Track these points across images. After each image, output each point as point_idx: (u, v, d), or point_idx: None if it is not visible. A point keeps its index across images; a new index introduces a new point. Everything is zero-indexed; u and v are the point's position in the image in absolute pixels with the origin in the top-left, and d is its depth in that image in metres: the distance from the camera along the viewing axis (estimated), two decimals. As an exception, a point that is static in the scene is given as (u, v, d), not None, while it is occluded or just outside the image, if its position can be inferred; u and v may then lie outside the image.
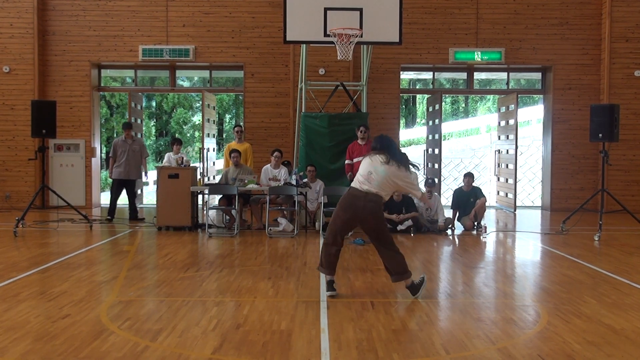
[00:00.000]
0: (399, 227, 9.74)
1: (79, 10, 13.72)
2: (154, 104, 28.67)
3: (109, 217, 11.16)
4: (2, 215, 12.16)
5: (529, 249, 8.85)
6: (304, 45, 11.61)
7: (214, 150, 14.80)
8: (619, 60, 13.56)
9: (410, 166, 5.64)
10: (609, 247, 8.64)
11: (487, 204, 10.57)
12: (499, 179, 14.89)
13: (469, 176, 10.59)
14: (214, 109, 14.63)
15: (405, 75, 18.35)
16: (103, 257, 7.88)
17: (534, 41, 13.76)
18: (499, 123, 14.89)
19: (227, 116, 29.40)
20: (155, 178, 10.39)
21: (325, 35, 10.10)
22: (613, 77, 13.56)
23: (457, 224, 10.46)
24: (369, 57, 12.30)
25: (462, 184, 10.70)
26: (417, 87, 26.78)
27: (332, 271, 5.70)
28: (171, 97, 27.60)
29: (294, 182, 9.96)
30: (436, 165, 13.73)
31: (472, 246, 8.88)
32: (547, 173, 14.20)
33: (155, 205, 10.56)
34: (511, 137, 13.86)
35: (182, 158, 10.34)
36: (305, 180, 10.14)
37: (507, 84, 14.94)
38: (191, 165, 10.48)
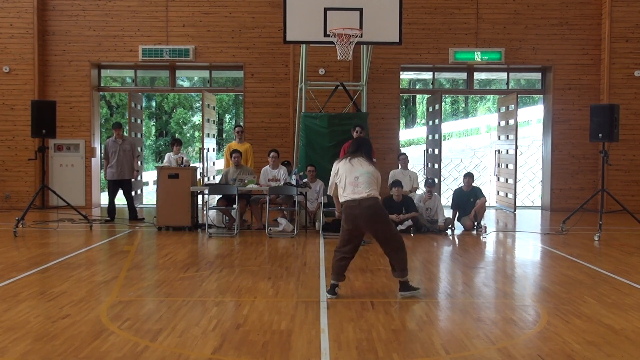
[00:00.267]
0: (399, 227, 9.72)
1: (79, 10, 13.72)
2: (154, 104, 28.68)
3: (108, 218, 11.17)
4: (2, 215, 12.16)
5: (528, 249, 8.86)
6: (304, 45, 11.61)
7: (214, 150, 14.80)
8: (619, 60, 13.56)
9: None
10: (609, 247, 8.64)
11: (487, 204, 10.57)
12: (498, 179, 14.89)
13: (468, 176, 10.59)
14: (213, 109, 14.63)
15: (405, 75, 18.35)
16: (103, 257, 7.88)
17: (534, 41, 13.76)
18: (499, 123, 14.89)
19: (227, 116, 29.41)
20: (155, 178, 10.39)
21: (325, 35, 10.10)
22: (613, 77, 13.57)
23: (457, 224, 10.46)
24: (369, 57, 12.30)
25: (462, 184, 10.69)
26: (417, 87, 26.77)
27: (338, 277, 5.67)
28: (171, 97, 27.60)
29: (293, 182, 9.96)
30: (436, 166, 13.73)
31: (472, 246, 8.88)
32: (547, 173, 14.20)
33: (155, 205, 10.56)
34: (511, 137, 13.86)
35: (182, 158, 10.34)
36: (305, 180, 10.14)
37: (507, 84, 14.94)
38: (191, 165, 10.48)
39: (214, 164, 14.86)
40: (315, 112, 11.85)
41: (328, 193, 5.92)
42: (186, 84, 25.55)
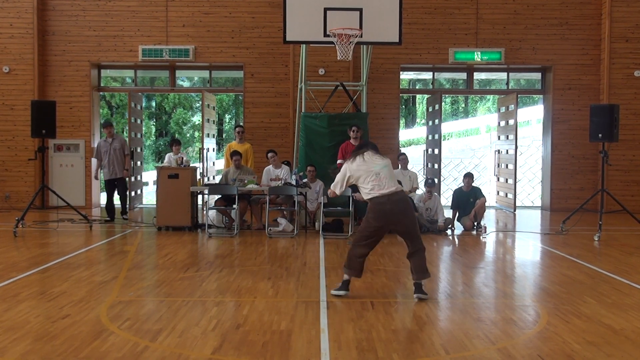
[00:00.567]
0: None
1: (79, 10, 13.71)
2: (154, 104, 28.67)
3: (108, 218, 11.17)
4: (2, 215, 12.16)
5: (528, 249, 8.86)
6: (304, 45, 11.60)
7: (213, 151, 14.79)
8: (619, 61, 13.56)
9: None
10: (609, 247, 8.64)
11: (486, 204, 10.57)
12: (498, 179, 14.89)
13: (468, 176, 10.60)
14: (213, 109, 14.63)
15: (405, 76, 18.36)
16: (103, 257, 7.88)
17: (534, 41, 13.76)
18: (499, 123, 14.89)
19: (227, 116, 29.40)
20: (155, 178, 10.39)
21: (325, 35, 10.09)
22: (613, 77, 13.57)
23: (456, 224, 10.46)
24: (369, 57, 12.29)
25: (462, 184, 10.69)
26: (417, 87, 26.75)
27: (358, 273, 5.64)
28: (171, 97, 27.60)
29: (293, 182, 9.96)
30: (436, 166, 13.72)
31: (472, 246, 8.88)
32: (547, 173, 14.20)
33: (155, 206, 10.56)
34: (511, 137, 13.86)
35: (182, 158, 10.34)
36: (305, 180, 10.14)
37: (507, 84, 14.94)
38: (191, 165, 10.48)
39: (213, 164, 14.86)
40: (315, 112, 11.85)
41: (335, 192, 5.73)
42: (186, 84, 25.55)
